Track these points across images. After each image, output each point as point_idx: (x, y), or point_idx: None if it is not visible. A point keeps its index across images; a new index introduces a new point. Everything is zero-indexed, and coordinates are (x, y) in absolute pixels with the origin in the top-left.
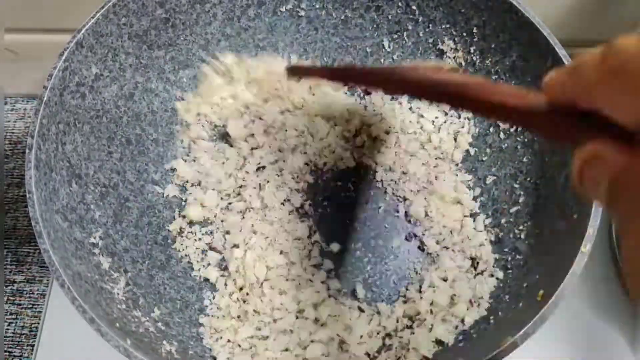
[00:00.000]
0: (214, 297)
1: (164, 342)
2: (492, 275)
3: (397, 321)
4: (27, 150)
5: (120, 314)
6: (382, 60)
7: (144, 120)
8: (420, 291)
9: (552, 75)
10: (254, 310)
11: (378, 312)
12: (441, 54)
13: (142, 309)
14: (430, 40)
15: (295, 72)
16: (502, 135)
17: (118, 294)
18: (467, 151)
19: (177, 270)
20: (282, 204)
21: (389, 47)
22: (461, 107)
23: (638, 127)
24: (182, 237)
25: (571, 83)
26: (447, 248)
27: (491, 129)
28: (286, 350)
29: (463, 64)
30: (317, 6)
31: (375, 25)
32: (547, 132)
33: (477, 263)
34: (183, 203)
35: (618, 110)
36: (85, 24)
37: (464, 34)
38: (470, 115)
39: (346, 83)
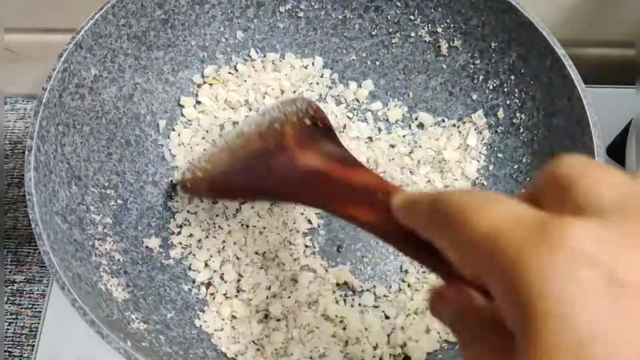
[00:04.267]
0: (214, 299)
1: (165, 343)
2: None
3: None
4: (26, 152)
5: (121, 316)
6: (381, 61)
7: (143, 121)
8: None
9: (398, 201)
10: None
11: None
12: (440, 54)
13: (143, 310)
14: (429, 41)
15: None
16: (501, 135)
17: (118, 295)
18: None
19: (177, 271)
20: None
21: (388, 47)
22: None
23: (462, 271)
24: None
25: (410, 217)
26: None
27: (491, 129)
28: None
29: (462, 64)
30: (316, 6)
31: (374, 26)
32: (402, 250)
33: None
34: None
35: (445, 250)
36: (84, 25)
37: (463, 34)
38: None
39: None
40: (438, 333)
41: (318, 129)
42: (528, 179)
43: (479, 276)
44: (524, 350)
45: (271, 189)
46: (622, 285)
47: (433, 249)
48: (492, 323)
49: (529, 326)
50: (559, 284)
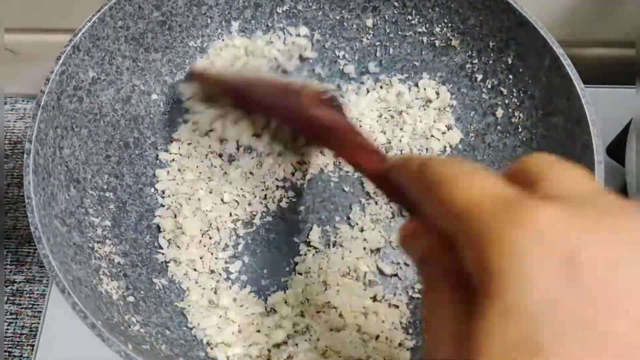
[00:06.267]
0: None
1: (165, 346)
2: None
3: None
4: (25, 156)
5: (121, 319)
6: (379, 61)
7: (141, 124)
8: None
9: (394, 158)
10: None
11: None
12: (438, 54)
13: (143, 313)
14: (427, 40)
15: (195, 78)
16: (500, 134)
17: (118, 298)
18: (465, 150)
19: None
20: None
21: (386, 47)
22: (323, 146)
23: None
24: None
25: (400, 172)
26: None
27: (490, 128)
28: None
29: (460, 63)
30: (314, 7)
31: (372, 26)
32: (388, 195)
33: None
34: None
35: (426, 209)
36: (82, 27)
37: (461, 34)
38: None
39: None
40: None
41: (331, 103)
42: None
43: (451, 235)
44: (482, 306)
45: (283, 113)
46: (577, 265)
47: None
48: (455, 273)
49: (490, 288)
50: (522, 258)
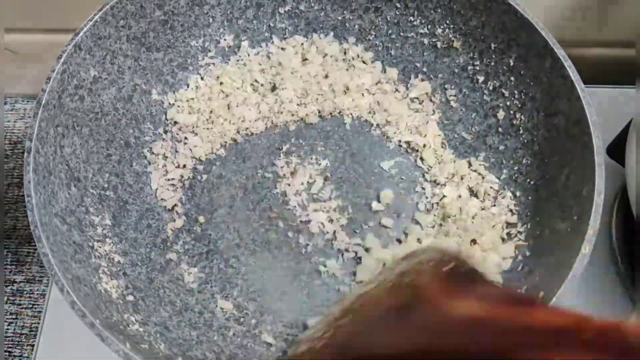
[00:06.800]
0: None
1: (164, 345)
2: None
3: None
4: (25, 154)
5: (120, 318)
6: (380, 62)
7: (142, 123)
8: None
9: None
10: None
11: None
12: (439, 55)
13: (142, 312)
14: (429, 42)
15: None
16: (501, 136)
17: (117, 297)
18: (466, 151)
19: (176, 272)
20: None
21: (388, 48)
22: None
23: None
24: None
25: None
26: None
27: (491, 130)
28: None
29: (462, 65)
30: (316, 7)
31: (374, 27)
32: None
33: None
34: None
35: None
36: (83, 26)
37: (463, 35)
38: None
39: None
40: None
41: (460, 273)
42: (528, 180)
43: None
44: None
45: (418, 346)
46: None
47: None
48: None
49: None
50: None
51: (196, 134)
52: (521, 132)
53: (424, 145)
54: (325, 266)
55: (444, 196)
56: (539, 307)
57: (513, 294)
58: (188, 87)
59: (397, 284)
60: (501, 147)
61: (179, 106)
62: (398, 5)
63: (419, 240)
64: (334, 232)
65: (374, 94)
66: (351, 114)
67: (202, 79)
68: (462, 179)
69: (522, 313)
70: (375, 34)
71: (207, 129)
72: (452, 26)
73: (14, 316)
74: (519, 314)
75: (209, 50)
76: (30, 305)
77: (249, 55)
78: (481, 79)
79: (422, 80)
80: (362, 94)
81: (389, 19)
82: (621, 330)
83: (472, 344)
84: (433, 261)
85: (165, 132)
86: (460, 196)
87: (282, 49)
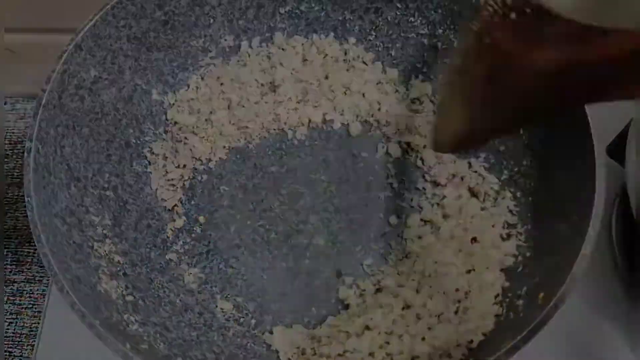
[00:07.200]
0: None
1: (164, 345)
2: None
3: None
4: (25, 154)
5: (120, 318)
6: (381, 62)
7: (143, 123)
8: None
9: None
10: None
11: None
12: (440, 55)
13: (142, 312)
14: (430, 43)
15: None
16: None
17: (117, 297)
18: (466, 152)
19: (176, 273)
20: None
21: (388, 49)
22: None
23: None
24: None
25: None
26: None
27: None
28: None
29: None
30: (316, 8)
31: (374, 27)
32: None
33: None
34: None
35: None
36: (84, 26)
37: None
38: None
39: None
40: None
41: (528, 16)
42: (529, 180)
43: None
44: None
45: (526, 105)
46: None
47: None
48: None
49: None
50: None
51: (196, 134)
52: (521, 132)
53: (424, 146)
54: (325, 267)
55: (444, 196)
56: (614, 33)
57: (586, 28)
58: (188, 87)
59: (478, 47)
60: (501, 148)
61: (179, 106)
62: (399, 5)
63: (419, 239)
64: (335, 232)
65: (374, 95)
66: (351, 115)
67: (202, 79)
68: (462, 179)
69: (601, 44)
70: (375, 34)
71: (207, 129)
72: (452, 27)
73: (14, 316)
74: (597, 46)
75: (210, 51)
76: (30, 305)
77: (249, 55)
78: None
79: (423, 80)
80: (363, 95)
81: (389, 19)
82: None
83: (567, 88)
84: (498, 10)
85: (166, 132)
86: (460, 196)
87: (283, 49)
